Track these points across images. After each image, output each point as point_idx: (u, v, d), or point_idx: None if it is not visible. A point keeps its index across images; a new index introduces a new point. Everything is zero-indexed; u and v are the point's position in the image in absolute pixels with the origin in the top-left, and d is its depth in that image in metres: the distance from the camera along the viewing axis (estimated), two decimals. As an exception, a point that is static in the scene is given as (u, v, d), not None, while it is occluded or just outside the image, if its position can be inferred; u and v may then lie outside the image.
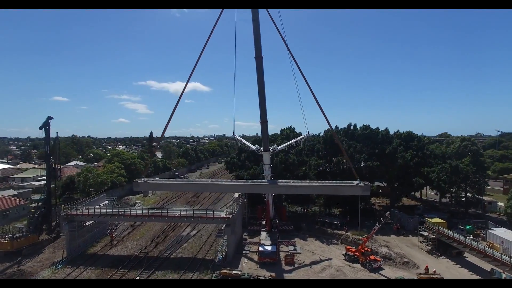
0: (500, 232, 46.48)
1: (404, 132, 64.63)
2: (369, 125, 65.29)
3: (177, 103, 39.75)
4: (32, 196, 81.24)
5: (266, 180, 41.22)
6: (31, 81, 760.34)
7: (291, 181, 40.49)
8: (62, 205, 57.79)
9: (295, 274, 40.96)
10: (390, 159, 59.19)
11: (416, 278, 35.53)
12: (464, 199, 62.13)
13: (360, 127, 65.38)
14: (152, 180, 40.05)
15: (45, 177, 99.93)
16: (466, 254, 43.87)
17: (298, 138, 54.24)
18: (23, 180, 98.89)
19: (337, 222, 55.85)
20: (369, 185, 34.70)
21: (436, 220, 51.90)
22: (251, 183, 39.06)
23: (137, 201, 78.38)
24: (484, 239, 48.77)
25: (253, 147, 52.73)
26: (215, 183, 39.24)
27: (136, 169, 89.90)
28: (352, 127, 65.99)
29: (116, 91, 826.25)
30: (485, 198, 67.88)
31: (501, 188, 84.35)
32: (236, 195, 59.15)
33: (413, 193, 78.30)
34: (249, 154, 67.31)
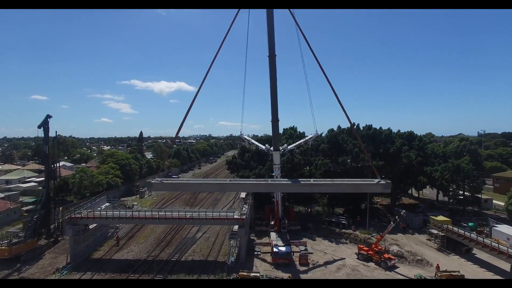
0: (504, 228, 47.91)
1: (406, 132, 65.88)
2: (371, 125, 66.15)
3: (191, 104, 38.62)
4: (20, 199, 77.20)
5: (288, 179, 40.59)
6: (7, 79, 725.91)
7: (312, 179, 40.07)
8: (60, 208, 55.19)
9: (312, 274, 40.64)
10: (394, 158, 60.04)
11: (436, 276, 35.95)
12: (462, 197, 63.90)
13: (363, 127, 66.05)
14: (167, 180, 38.54)
15: (31, 179, 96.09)
16: (475, 251, 45.00)
17: (307, 138, 54.04)
18: (8, 182, 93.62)
19: (345, 222, 56.03)
20: (390, 183, 34.82)
21: (441, 218, 53.08)
22: (272, 182, 38.36)
23: (134, 203, 75.93)
24: (487, 236, 50.10)
25: (263, 146, 52.16)
26: (234, 182, 38.24)
27: (131, 170, 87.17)
28: (355, 127, 66.46)
29: (99, 90, 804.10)
30: (478, 196, 69.96)
31: (492, 186, 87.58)
32: (243, 195, 58.31)
33: (409, 191, 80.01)
34: (253, 154, 66.63)
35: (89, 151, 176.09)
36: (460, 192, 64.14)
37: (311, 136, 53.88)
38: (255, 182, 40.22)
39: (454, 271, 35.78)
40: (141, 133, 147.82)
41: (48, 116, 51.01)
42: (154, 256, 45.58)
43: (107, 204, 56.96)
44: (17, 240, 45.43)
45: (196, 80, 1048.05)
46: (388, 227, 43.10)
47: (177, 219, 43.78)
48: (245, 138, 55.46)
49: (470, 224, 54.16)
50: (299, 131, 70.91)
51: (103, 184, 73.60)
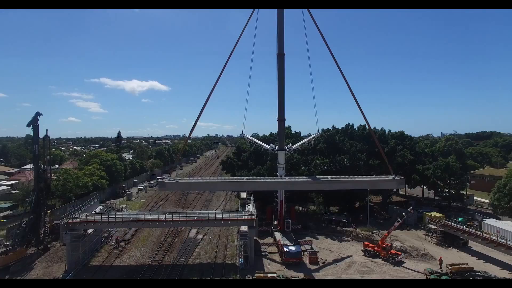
0: (493, 222, 51.35)
1: (397, 132, 68.59)
2: (365, 125, 68.00)
3: (205, 103, 37.78)
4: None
5: (308, 177, 40.58)
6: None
7: (329, 177, 40.33)
8: (48, 212, 51.31)
9: (324, 272, 40.84)
10: (389, 157, 62.04)
11: (446, 269, 37.48)
12: (448, 194, 67.61)
13: (358, 127, 67.82)
14: (181, 179, 36.95)
15: (1, 182, 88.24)
16: (470, 244, 47.75)
17: (310, 137, 54.57)
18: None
19: (345, 220, 57.04)
20: (403, 179, 36.07)
21: (435, 214, 55.83)
22: (289, 180, 38.14)
23: (122, 205, 72.27)
24: (477, 229, 53.32)
25: (268, 146, 51.80)
26: (250, 180, 37.58)
27: (117, 171, 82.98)
28: (350, 127, 68.10)
29: (65, 88, 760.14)
30: (462, 192, 74.50)
31: (468, 183, 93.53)
32: (244, 195, 57.56)
33: (396, 189, 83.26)
34: (251, 154, 65.98)
35: (59, 151, 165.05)
36: (446, 189, 67.83)
37: (314, 135, 54.42)
38: (273, 180, 39.81)
39: (463, 264, 37.64)
40: (119, 133, 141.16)
41: (38, 114, 47.32)
42: (158, 261, 43.61)
43: (101, 207, 53.81)
44: (4, 249, 41.46)
45: (170, 80, 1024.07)
46: (395, 224, 44.50)
47: (185, 221, 42.18)
48: (248, 138, 54.85)
49: (459, 219, 57.22)
50: (295, 131, 71.36)
51: (88, 186, 69.32)
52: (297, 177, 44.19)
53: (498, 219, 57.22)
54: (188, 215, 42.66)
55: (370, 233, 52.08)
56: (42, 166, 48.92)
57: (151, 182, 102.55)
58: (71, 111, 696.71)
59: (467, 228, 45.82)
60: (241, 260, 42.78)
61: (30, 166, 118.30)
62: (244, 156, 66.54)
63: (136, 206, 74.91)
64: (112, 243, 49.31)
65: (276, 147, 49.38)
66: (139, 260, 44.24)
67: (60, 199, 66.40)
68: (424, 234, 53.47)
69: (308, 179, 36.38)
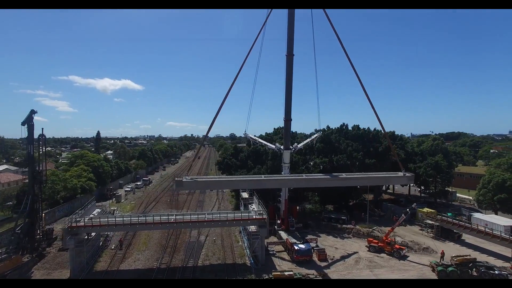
0: (480, 216, 54.97)
1: (388, 132, 71.37)
2: (359, 125, 70.32)
3: (222, 103, 37.51)
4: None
5: (325, 174, 41.25)
6: None
7: (344, 174, 41.24)
8: (43, 214, 48.28)
9: (335, 268, 41.72)
10: (382, 157, 64.69)
11: (451, 261, 39.57)
12: (435, 190, 71.53)
13: (352, 127, 69.83)
14: (199, 178, 36.24)
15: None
16: (464, 237, 50.90)
17: (313, 137, 55.63)
18: None
19: (344, 217, 58.53)
20: (413, 175, 37.86)
21: (427, 210, 58.85)
22: (307, 177, 38.83)
23: (113, 208, 69.33)
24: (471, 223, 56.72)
25: (273, 146, 52.03)
26: (269, 178, 37.65)
27: (104, 172, 79.39)
28: (344, 127, 69.99)
29: (30, 86, 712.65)
30: (448, 189, 78.90)
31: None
32: (246, 195, 57.32)
33: (383, 187, 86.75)
34: (249, 154, 65.82)
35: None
36: (432, 186, 71.73)
37: (316, 135, 55.48)
38: (293, 177, 40.18)
39: (466, 255, 40.05)
40: (98, 133, 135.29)
41: (33, 112, 44.28)
42: (167, 264, 42.38)
43: (98, 210, 51.35)
44: (1, 257, 38.34)
45: (143, 79, 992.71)
46: (399, 219, 46.39)
47: (196, 223, 41.27)
48: (251, 138, 54.72)
49: (449, 214, 60.76)
50: (291, 131, 71.98)
51: (77, 188, 65.80)
52: (314, 174, 44.80)
53: (482, 213, 61.50)
54: (199, 216, 41.81)
55: (371, 229, 53.85)
56: (37, 168, 45.75)
57: (138, 183, 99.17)
58: (37, 110, 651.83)
59: (463, 223, 48.77)
60: (251, 259, 42.75)
61: (1, 168, 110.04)
62: (242, 156, 66.23)
63: (127, 208, 72.15)
64: (112, 247, 47.35)
65: (282, 147, 49.79)
66: (146, 263, 42.74)
67: (46, 202, 62.39)
68: (419, 229, 56.18)
69: (326, 176, 37.24)
